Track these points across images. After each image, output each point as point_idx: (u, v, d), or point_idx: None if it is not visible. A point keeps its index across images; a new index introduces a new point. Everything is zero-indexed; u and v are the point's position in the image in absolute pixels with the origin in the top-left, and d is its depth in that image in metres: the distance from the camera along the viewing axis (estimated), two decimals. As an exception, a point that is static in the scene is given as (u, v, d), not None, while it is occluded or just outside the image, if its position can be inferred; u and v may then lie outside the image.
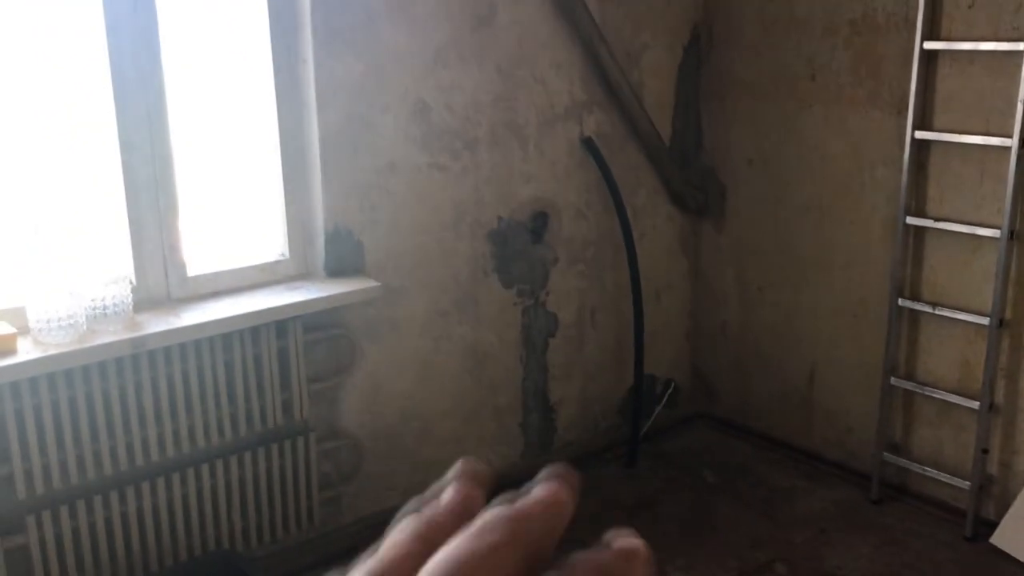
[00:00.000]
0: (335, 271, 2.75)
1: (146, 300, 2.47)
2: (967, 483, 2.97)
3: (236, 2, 2.56)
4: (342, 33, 2.62)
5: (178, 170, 2.49)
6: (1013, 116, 2.69)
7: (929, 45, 2.86)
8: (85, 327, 2.27)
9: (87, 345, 2.23)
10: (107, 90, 2.34)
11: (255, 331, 2.55)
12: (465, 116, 2.93)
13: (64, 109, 2.33)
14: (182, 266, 2.53)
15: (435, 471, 0.40)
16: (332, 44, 2.60)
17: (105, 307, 2.30)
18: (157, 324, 2.37)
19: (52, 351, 2.19)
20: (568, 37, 3.11)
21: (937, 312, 2.99)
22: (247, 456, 2.60)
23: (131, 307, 2.36)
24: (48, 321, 2.21)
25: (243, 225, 2.71)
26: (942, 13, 2.84)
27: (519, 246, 3.16)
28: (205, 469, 2.54)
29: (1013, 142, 2.69)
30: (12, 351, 2.17)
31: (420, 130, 2.83)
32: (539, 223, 3.18)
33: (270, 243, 2.74)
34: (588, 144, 3.24)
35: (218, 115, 2.60)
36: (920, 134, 2.92)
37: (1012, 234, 2.76)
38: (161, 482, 2.47)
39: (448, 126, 2.90)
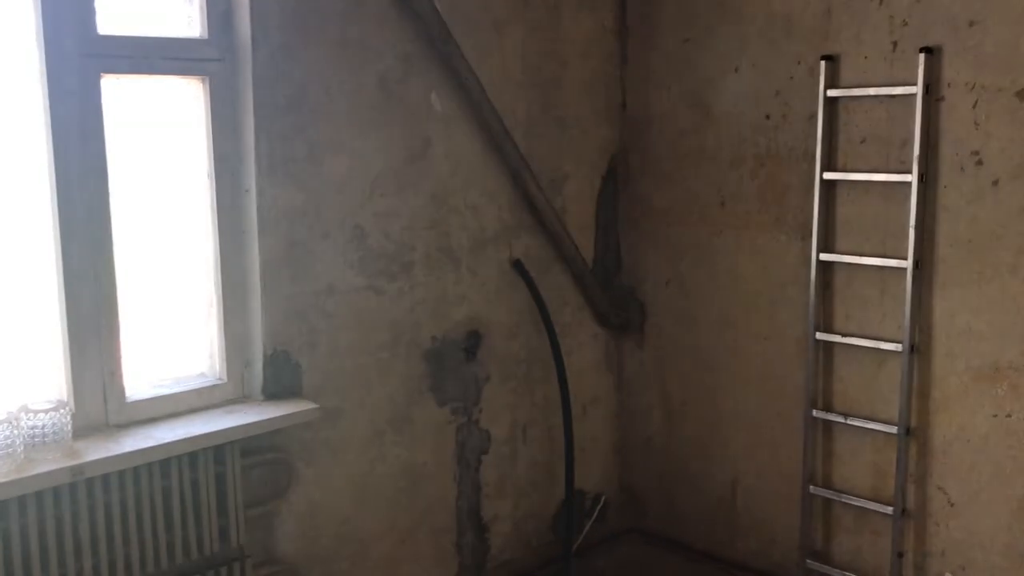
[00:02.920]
0: (273, 394, 2.77)
1: (84, 426, 2.44)
2: (887, 587, 3.09)
3: (182, 135, 2.65)
4: (285, 165, 2.72)
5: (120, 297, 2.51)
6: (906, 239, 2.94)
7: (828, 175, 3.12)
8: (23, 456, 2.23)
9: (26, 475, 2.18)
10: (49, 218, 2.37)
11: (193, 456, 2.54)
12: (401, 241, 3.04)
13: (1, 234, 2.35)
14: (121, 392, 2.52)
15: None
16: (274, 175, 2.71)
17: (44, 434, 2.27)
18: (96, 451, 2.34)
19: (-11, 481, 2.15)
20: (497, 167, 3.29)
21: (849, 422, 3.16)
22: (183, 585, 2.55)
23: (70, 434, 2.33)
24: (-16, 451, 2.17)
25: (180, 349, 2.73)
26: (838, 148, 3.12)
27: (453, 365, 3.24)
28: (139, 601, 2.47)
29: (908, 263, 2.94)
30: (-55, 483, 2.12)
31: (358, 254, 2.93)
32: (472, 342, 3.28)
33: (207, 367, 2.75)
34: (518, 266, 3.39)
35: (157, 241, 2.65)
36: (824, 256, 3.16)
37: (912, 348, 2.97)
38: (94, 616, 2.39)
39: (384, 250, 3.00)
